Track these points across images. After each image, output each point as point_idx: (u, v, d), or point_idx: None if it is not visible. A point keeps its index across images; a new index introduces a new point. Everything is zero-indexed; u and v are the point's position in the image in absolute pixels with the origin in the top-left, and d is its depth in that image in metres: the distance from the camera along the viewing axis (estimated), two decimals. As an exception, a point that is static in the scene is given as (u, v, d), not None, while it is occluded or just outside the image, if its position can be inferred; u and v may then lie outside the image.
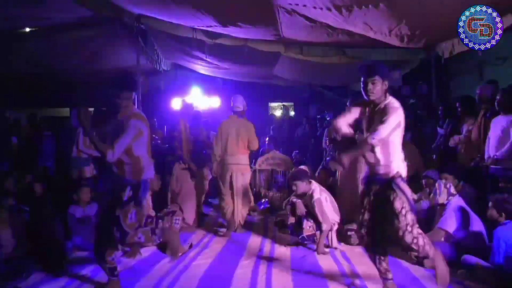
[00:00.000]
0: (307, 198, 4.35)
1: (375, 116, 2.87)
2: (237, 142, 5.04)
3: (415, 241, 2.81)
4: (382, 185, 2.89)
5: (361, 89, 2.92)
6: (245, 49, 5.93)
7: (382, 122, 2.72)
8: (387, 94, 2.90)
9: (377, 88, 2.83)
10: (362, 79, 2.89)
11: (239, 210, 5.12)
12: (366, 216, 3.00)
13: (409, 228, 2.79)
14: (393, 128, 2.74)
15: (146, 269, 3.77)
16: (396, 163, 2.87)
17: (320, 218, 4.20)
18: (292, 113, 12.82)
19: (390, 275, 3.06)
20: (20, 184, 5.18)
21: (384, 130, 2.70)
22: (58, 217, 4.46)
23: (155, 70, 7.49)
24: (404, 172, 2.91)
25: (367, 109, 2.98)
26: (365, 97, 2.90)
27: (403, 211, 2.79)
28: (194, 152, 5.49)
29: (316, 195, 4.27)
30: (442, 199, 3.93)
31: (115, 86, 3.14)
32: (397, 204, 2.79)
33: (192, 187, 5.37)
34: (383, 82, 2.85)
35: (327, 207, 4.28)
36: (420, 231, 2.88)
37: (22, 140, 7.22)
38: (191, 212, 5.28)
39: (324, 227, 4.18)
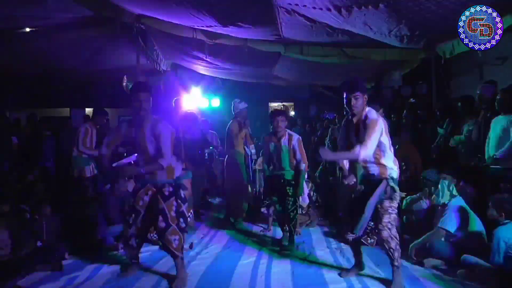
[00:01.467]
0: (286, 140, 4.45)
1: (360, 125, 3.18)
2: (226, 142, 5.57)
3: (389, 239, 3.15)
4: (376, 184, 3.16)
5: (345, 104, 3.22)
6: (245, 49, 5.94)
7: (366, 138, 3.03)
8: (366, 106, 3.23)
9: (359, 102, 3.16)
10: (345, 95, 3.20)
11: (233, 204, 5.53)
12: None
13: (389, 226, 3.15)
14: (377, 138, 3.07)
15: (146, 268, 3.77)
16: (388, 164, 3.16)
17: (299, 156, 4.40)
18: (292, 113, 12.82)
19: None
20: (20, 184, 5.19)
21: (370, 146, 3.02)
22: (58, 217, 4.47)
23: (155, 70, 7.48)
24: (395, 173, 3.20)
25: (351, 122, 3.28)
26: (349, 111, 3.22)
27: (390, 210, 3.14)
28: (191, 152, 5.51)
29: (295, 136, 4.49)
30: (444, 200, 3.93)
31: (136, 89, 3.35)
32: (386, 203, 3.13)
33: (188, 187, 5.39)
34: (363, 96, 3.18)
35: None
36: (397, 235, 3.19)
37: (22, 140, 7.22)
38: (189, 212, 5.29)
39: (303, 166, 4.42)
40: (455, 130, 4.96)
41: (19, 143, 7.08)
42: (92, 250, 4.23)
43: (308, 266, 3.85)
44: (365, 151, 3.00)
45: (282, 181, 4.46)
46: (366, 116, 3.14)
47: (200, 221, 5.69)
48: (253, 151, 5.92)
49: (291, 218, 4.42)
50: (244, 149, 5.65)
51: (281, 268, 3.80)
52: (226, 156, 5.65)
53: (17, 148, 6.95)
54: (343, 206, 4.88)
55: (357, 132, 3.18)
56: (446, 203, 3.91)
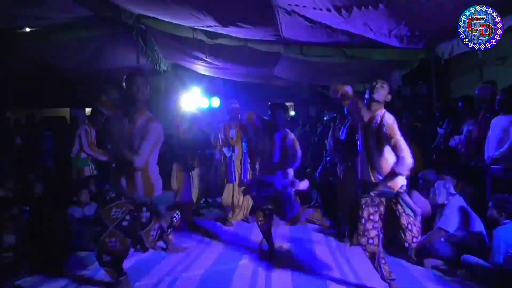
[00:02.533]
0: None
1: (372, 127, 2.99)
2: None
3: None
4: (388, 199, 3.02)
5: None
6: (245, 49, 5.93)
7: (400, 146, 2.81)
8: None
9: (382, 92, 3.03)
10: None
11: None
12: (369, 225, 3.06)
13: (414, 240, 3.02)
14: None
15: (146, 269, 3.77)
16: (399, 177, 2.94)
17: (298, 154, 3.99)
18: (292, 113, 12.81)
19: (393, 275, 3.12)
20: (20, 184, 5.18)
21: (408, 152, 2.81)
22: (58, 217, 4.46)
23: (155, 70, 7.48)
24: (405, 183, 3.03)
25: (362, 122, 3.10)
26: (368, 99, 3.05)
27: (409, 226, 2.99)
28: (191, 151, 5.52)
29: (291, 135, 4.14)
30: (441, 199, 3.93)
31: (132, 74, 3.01)
32: (403, 220, 2.98)
33: (188, 186, 5.40)
34: (388, 91, 3.05)
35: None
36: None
37: (22, 140, 7.23)
38: (189, 211, 5.30)
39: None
40: (455, 130, 4.96)
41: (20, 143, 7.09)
42: (92, 250, 4.23)
43: (308, 266, 3.85)
44: (408, 163, 2.79)
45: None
46: (381, 119, 2.94)
47: (200, 221, 5.69)
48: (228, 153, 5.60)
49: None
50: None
51: (281, 267, 3.80)
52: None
53: (18, 148, 6.96)
54: (344, 206, 4.87)
55: (369, 135, 3.01)
56: (445, 202, 3.91)
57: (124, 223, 3.05)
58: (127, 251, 3.22)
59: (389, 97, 3.07)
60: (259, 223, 4.10)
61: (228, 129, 5.46)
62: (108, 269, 3.20)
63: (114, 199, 3.08)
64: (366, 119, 3.04)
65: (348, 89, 3.18)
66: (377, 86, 3.04)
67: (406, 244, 3.04)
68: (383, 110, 3.04)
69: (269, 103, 4.27)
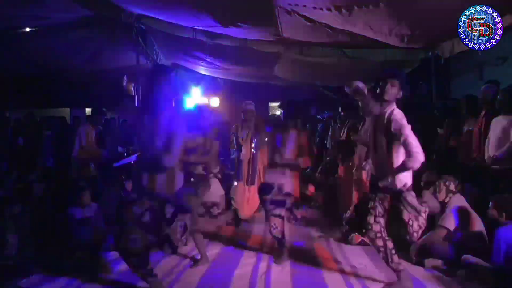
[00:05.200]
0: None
1: (384, 122, 3.09)
2: None
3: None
4: (391, 196, 3.10)
5: (375, 89, 3.17)
6: (245, 50, 5.93)
7: (412, 144, 2.94)
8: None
9: (394, 91, 3.11)
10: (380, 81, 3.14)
11: None
12: (371, 220, 3.13)
13: (415, 234, 3.07)
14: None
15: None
16: (402, 174, 3.04)
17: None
18: (292, 113, 12.77)
19: (402, 266, 3.21)
20: (20, 184, 5.19)
21: (418, 147, 2.96)
22: (58, 217, 4.46)
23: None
24: (409, 181, 3.09)
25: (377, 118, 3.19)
26: (379, 97, 3.13)
27: (410, 222, 3.04)
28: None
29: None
30: (441, 196, 3.92)
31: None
32: (405, 216, 3.03)
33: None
34: (400, 89, 3.12)
35: None
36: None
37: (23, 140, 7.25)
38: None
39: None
40: (455, 130, 4.96)
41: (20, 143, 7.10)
42: (92, 250, 4.23)
43: (308, 266, 3.85)
44: (420, 159, 2.93)
45: None
46: (394, 118, 3.02)
47: (200, 220, 5.68)
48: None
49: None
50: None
51: (281, 268, 3.81)
52: None
53: (19, 149, 6.97)
54: (344, 206, 4.88)
55: (381, 131, 3.10)
56: (445, 201, 3.91)
57: (144, 219, 2.88)
58: (148, 249, 3.03)
59: (400, 94, 3.14)
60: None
61: (239, 129, 5.49)
62: (136, 271, 3.01)
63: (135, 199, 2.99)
64: (376, 113, 3.16)
65: (360, 84, 3.24)
66: (387, 86, 3.10)
67: (407, 237, 3.10)
68: (393, 107, 3.12)
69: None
